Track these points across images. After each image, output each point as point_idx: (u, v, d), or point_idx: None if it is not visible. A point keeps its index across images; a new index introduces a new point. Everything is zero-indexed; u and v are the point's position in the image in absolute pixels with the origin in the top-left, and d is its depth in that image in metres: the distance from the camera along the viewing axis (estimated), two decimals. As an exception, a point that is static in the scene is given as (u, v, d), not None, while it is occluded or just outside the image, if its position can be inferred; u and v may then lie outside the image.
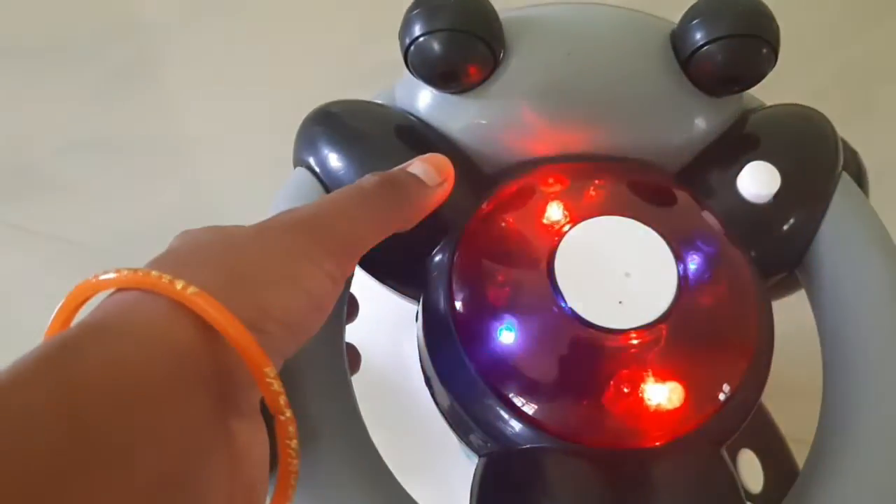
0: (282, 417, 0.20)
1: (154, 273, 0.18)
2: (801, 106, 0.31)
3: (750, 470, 0.44)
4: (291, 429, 0.20)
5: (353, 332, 0.31)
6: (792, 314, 0.33)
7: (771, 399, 0.48)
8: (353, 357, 0.30)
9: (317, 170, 0.29)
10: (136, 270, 0.19)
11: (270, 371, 0.19)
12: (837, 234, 0.28)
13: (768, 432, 0.47)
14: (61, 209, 0.77)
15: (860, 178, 0.31)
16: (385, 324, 0.36)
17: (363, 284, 0.30)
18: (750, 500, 0.40)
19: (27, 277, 0.73)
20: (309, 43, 0.85)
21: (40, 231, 0.75)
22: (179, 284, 0.18)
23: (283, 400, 0.20)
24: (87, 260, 0.72)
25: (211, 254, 0.20)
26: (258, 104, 0.80)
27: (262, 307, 0.20)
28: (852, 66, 0.84)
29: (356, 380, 0.29)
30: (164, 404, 0.17)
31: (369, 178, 0.25)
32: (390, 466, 0.26)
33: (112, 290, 0.19)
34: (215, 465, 0.18)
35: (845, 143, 0.31)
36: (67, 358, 0.16)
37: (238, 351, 0.19)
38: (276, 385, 0.19)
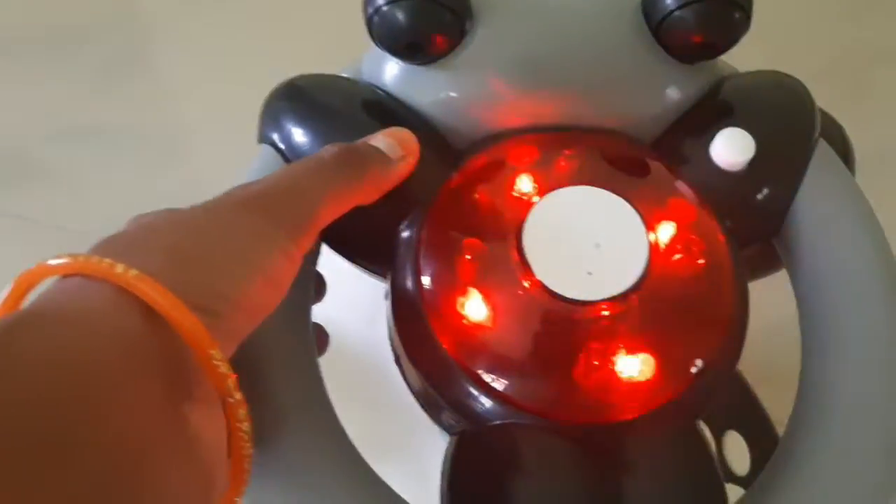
0: (230, 400, 0.19)
1: (95, 258, 0.18)
2: (776, 72, 0.30)
3: (736, 452, 0.43)
4: (242, 411, 0.20)
5: (330, 312, 0.31)
6: (783, 301, 0.32)
7: (760, 385, 0.48)
8: (320, 338, 0.30)
9: (281, 146, 0.28)
10: (77, 256, 0.18)
11: (216, 353, 0.18)
12: (814, 201, 0.28)
13: (755, 415, 0.46)
14: (58, 198, 0.77)
15: (846, 154, 0.31)
16: (360, 302, 0.36)
17: (337, 263, 0.29)
18: (736, 482, 0.39)
19: (24, 265, 0.73)
20: (307, 30, 0.84)
21: (37, 219, 0.75)
22: (120, 268, 0.18)
23: (231, 382, 0.19)
24: (83, 248, 0.72)
25: (158, 235, 0.20)
26: (255, 92, 0.79)
27: (211, 288, 0.19)
28: (851, 49, 0.84)
29: (332, 360, 0.28)
30: (107, 390, 0.16)
31: (328, 149, 0.24)
32: (366, 446, 0.25)
33: (58, 276, 0.19)
34: (169, 450, 0.18)
35: (832, 119, 0.31)
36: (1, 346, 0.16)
37: (181, 334, 0.18)
38: (224, 367, 0.19)
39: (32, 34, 0.87)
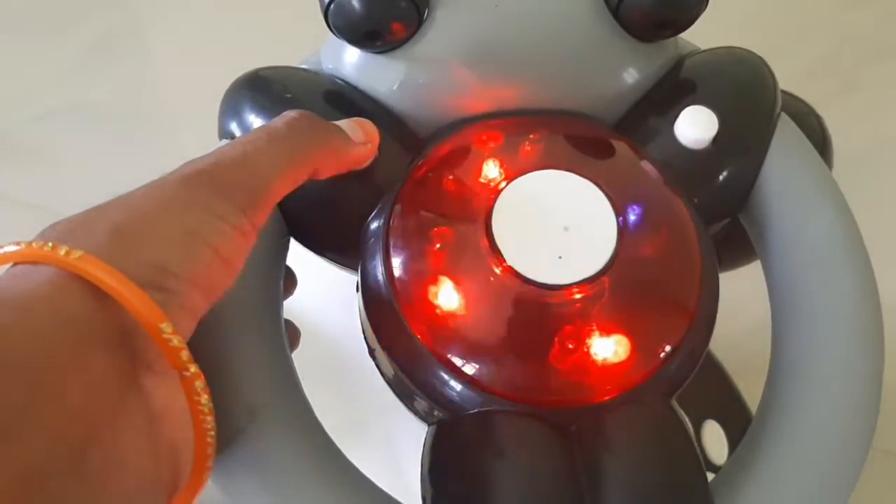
0: (186, 374, 0.19)
1: (39, 243, 0.18)
2: (736, 48, 0.30)
3: (715, 441, 0.43)
4: (199, 384, 0.19)
5: (308, 300, 0.30)
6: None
7: (740, 375, 0.48)
8: (292, 333, 0.29)
9: None
10: (20, 243, 0.18)
11: (167, 327, 0.18)
12: (778, 175, 0.28)
13: (734, 404, 0.46)
14: (43, 177, 0.76)
15: (824, 144, 0.31)
16: (339, 289, 0.35)
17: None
18: (714, 472, 0.39)
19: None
20: (299, 12, 0.82)
21: (21, 200, 0.74)
22: (63, 250, 0.18)
23: (185, 355, 0.19)
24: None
25: (102, 215, 0.19)
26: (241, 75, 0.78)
27: (158, 264, 0.19)
28: (842, 45, 0.84)
29: (311, 348, 0.28)
30: (50, 369, 0.16)
31: (284, 115, 0.24)
32: (346, 433, 0.25)
33: (10, 264, 0.19)
34: (130, 425, 0.18)
35: (810, 108, 0.31)
36: None
37: (129, 309, 0.18)
38: (176, 341, 0.19)
39: (15, 12, 0.85)
